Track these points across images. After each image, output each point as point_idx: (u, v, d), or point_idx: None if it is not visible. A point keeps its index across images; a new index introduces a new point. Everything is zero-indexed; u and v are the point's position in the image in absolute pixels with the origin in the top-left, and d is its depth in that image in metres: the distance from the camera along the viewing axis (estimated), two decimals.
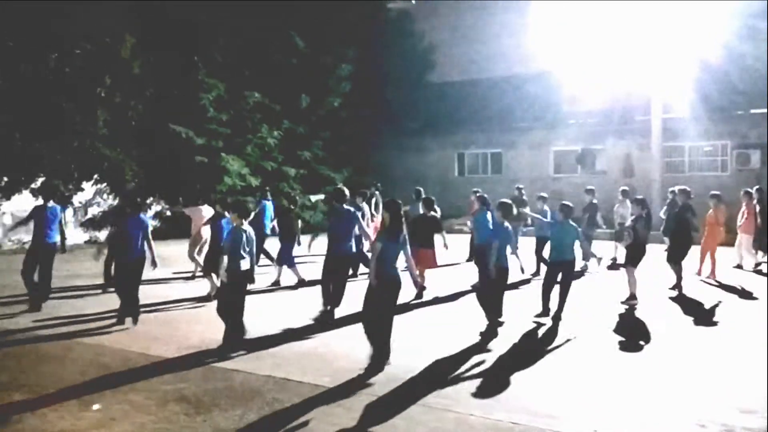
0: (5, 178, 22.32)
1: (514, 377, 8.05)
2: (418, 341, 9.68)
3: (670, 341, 9.81)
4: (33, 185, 22.63)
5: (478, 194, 14.07)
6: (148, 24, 23.68)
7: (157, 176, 24.70)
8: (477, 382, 7.85)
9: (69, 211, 24.13)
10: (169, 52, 24.33)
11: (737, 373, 8.18)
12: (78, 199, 24.34)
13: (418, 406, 7.02)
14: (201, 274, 14.40)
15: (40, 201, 12.72)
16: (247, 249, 9.32)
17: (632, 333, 10.21)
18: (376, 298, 8.44)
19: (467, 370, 8.24)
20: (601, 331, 10.24)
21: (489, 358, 8.78)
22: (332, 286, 11.20)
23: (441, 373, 8.11)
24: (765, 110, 24.51)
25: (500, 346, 9.43)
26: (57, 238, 12.43)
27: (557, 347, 9.41)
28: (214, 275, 12.51)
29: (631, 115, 27.57)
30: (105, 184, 24.71)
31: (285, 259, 14.58)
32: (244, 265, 9.27)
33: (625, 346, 9.49)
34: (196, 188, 24.78)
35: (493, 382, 7.84)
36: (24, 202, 22.89)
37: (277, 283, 14.61)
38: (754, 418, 6.66)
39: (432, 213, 13.40)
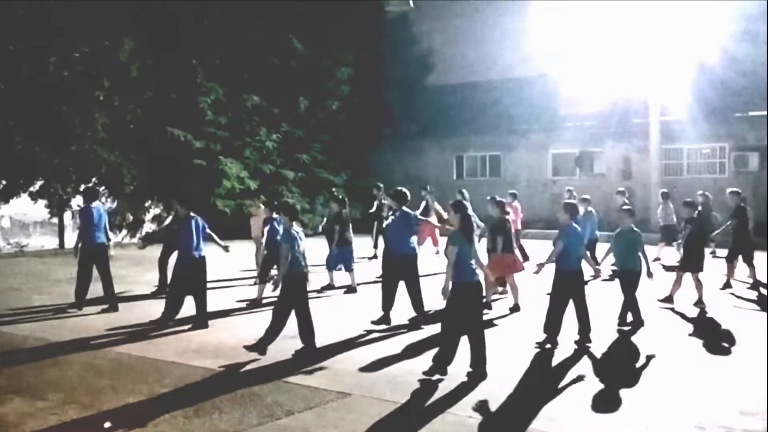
0: (3, 182, 22.31)
1: (513, 380, 8.05)
2: (425, 344, 9.67)
3: (668, 343, 9.82)
4: (31, 189, 22.64)
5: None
6: (146, 27, 23.68)
7: (156, 179, 24.68)
8: (474, 385, 7.83)
9: (67, 215, 24.18)
10: (167, 55, 24.33)
11: (737, 375, 8.18)
12: (76, 202, 24.31)
13: (417, 409, 7.02)
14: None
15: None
16: (301, 251, 9.17)
17: (630, 336, 10.21)
18: (459, 309, 8.08)
19: (465, 374, 8.23)
20: (599, 334, 10.23)
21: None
22: (408, 292, 11.05)
23: (441, 377, 8.10)
24: (763, 112, 24.54)
25: (500, 350, 9.42)
26: (104, 239, 12.41)
27: (556, 352, 9.40)
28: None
29: (629, 118, 27.58)
30: (103, 188, 24.70)
31: (348, 263, 14.26)
32: (299, 267, 9.14)
33: (622, 349, 9.49)
34: (194, 191, 24.78)
35: (491, 385, 7.84)
36: (22, 206, 22.92)
37: (352, 289, 14.17)
38: (755, 420, 6.66)
39: (506, 216, 12.54)
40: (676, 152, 27.25)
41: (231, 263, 15.86)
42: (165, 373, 8.28)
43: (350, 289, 14.14)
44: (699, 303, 12.16)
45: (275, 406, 7.11)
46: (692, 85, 25.60)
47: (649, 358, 8.94)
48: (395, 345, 9.64)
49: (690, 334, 10.37)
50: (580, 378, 8.10)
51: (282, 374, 8.18)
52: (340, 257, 14.26)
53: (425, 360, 8.62)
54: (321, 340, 9.91)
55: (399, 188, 11.63)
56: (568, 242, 9.50)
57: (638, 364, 8.75)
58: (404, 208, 11.32)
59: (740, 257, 14.47)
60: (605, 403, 7.24)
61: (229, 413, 6.89)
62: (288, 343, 9.64)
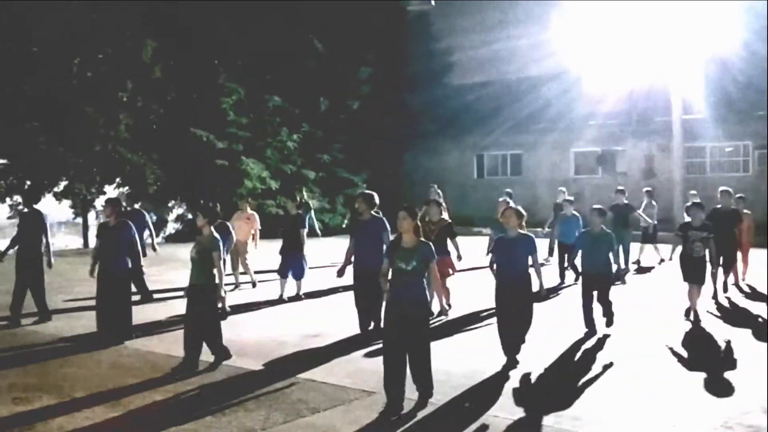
0: (28, 182, 22.57)
1: (538, 378, 8.05)
2: (435, 343, 9.67)
3: (694, 341, 9.77)
4: (56, 189, 22.87)
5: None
6: (168, 28, 23.87)
7: (179, 180, 24.87)
8: (500, 384, 7.84)
9: (91, 215, 24.44)
10: (189, 56, 24.51)
11: (763, 374, 8.11)
12: (100, 202, 24.55)
13: (441, 407, 7.04)
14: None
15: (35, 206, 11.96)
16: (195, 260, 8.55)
17: (656, 334, 10.16)
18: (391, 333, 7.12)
19: (490, 373, 8.23)
20: (624, 334, 10.19)
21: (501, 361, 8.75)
22: (370, 305, 9.90)
23: (463, 375, 8.10)
24: None
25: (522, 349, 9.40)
26: (42, 247, 11.50)
27: (581, 349, 9.38)
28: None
29: (651, 116, 27.41)
30: (127, 188, 24.93)
31: (297, 270, 13.15)
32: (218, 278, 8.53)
33: (650, 348, 9.44)
34: (216, 191, 24.97)
35: (517, 384, 7.84)
36: (47, 206, 23.14)
37: (297, 297, 13.22)
38: None
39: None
40: (698, 150, 27.06)
41: (253, 262, 15.91)
42: (190, 371, 8.33)
43: (296, 297, 13.16)
44: (688, 314, 11.17)
45: (300, 404, 7.15)
46: (714, 82, 25.39)
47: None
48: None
49: (712, 334, 10.31)
50: (601, 378, 8.09)
51: (306, 372, 8.22)
52: (290, 264, 13.12)
53: (449, 359, 8.63)
54: (345, 338, 9.97)
55: (366, 191, 10.64)
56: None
57: (663, 363, 8.70)
58: (374, 212, 10.16)
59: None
60: (631, 401, 7.22)
61: (255, 411, 6.93)
62: (310, 342, 9.70)
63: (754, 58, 24.57)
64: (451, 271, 11.48)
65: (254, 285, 14.52)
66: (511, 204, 11.66)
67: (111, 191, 24.70)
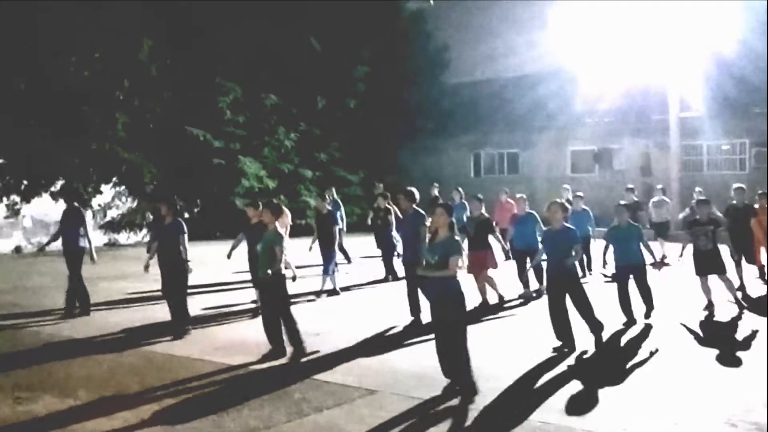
0: (25, 182, 22.52)
1: (542, 376, 8.03)
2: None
3: (699, 339, 9.77)
4: (53, 188, 22.82)
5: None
6: (165, 27, 23.81)
7: (175, 178, 24.83)
8: (505, 381, 7.84)
9: (88, 214, 24.39)
10: (186, 54, 24.46)
11: (763, 371, 8.12)
12: (97, 201, 24.51)
13: (446, 406, 7.03)
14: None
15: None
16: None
17: (660, 332, 10.16)
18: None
19: (495, 370, 8.22)
20: (628, 330, 10.19)
21: (515, 357, 8.75)
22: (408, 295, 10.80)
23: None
24: None
25: (526, 346, 9.40)
26: (84, 243, 11.88)
27: (586, 345, 9.37)
28: None
29: (648, 114, 27.45)
30: (123, 187, 24.88)
31: (327, 266, 13.47)
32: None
33: (653, 345, 9.44)
34: (213, 190, 24.94)
35: (522, 381, 7.83)
36: (44, 206, 23.11)
37: (323, 292, 13.41)
38: None
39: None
40: (695, 148, 27.08)
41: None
42: (192, 371, 8.31)
43: (332, 292, 13.45)
44: (709, 308, 11.22)
45: (303, 402, 7.13)
46: (712, 80, 25.41)
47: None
48: (421, 342, 9.63)
49: (716, 332, 10.31)
50: (603, 374, 8.09)
51: (309, 371, 8.21)
52: (324, 259, 13.54)
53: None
54: (348, 337, 9.95)
55: (408, 188, 11.18)
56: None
57: (666, 360, 8.71)
58: (414, 207, 10.76)
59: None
60: (635, 398, 7.21)
61: (258, 410, 6.92)
62: (313, 341, 9.68)
63: (751, 55, 24.60)
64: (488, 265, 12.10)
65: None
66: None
67: (108, 190, 24.68)
